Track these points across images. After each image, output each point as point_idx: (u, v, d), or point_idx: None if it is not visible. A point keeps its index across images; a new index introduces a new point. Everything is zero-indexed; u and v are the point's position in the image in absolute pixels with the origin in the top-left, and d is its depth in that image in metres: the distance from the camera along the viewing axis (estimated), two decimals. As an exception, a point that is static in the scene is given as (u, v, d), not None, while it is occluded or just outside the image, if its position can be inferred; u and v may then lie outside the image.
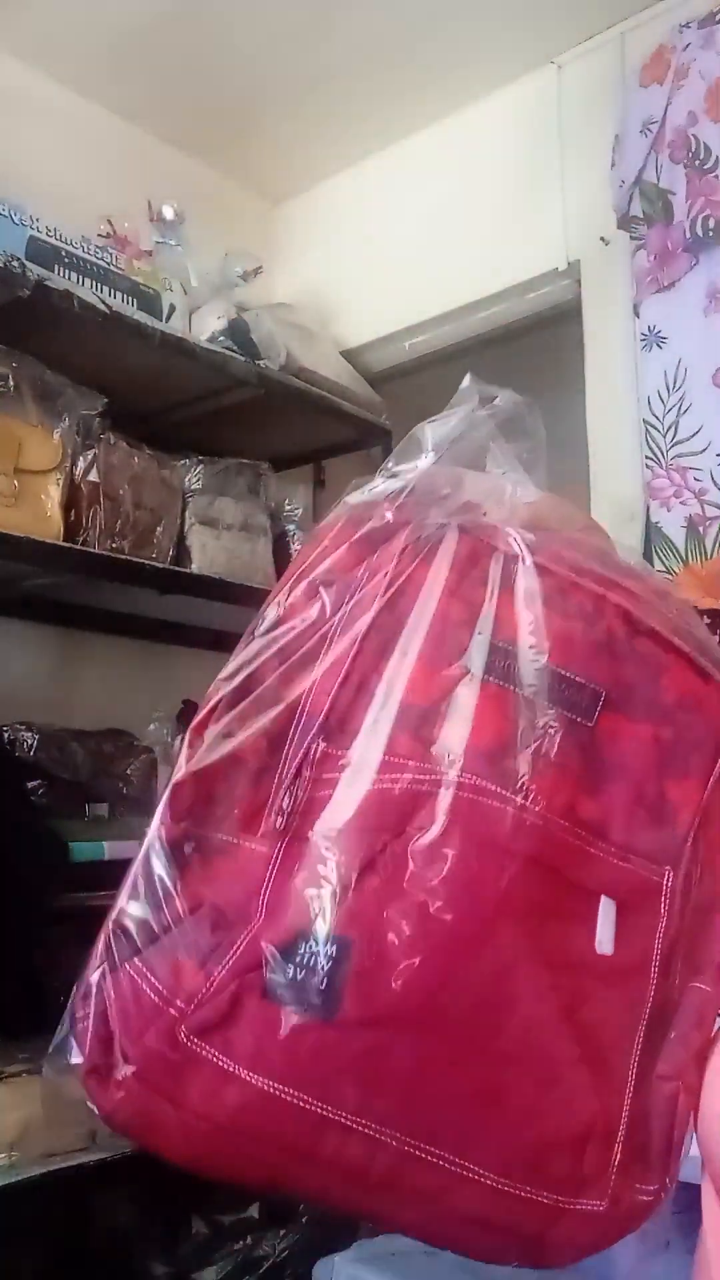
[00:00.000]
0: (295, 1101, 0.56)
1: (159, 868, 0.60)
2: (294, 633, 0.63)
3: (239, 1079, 0.56)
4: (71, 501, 1.77)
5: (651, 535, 1.85)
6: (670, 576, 1.82)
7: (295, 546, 2.21)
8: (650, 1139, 0.60)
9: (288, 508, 2.25)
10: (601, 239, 2.05)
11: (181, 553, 1.97)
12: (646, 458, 1.89)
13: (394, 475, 0.67)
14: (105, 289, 1.86)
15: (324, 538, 0.66)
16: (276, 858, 0.59)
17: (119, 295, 1.89)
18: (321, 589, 0.64)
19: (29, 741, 1.74)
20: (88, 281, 1.84)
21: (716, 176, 1.83)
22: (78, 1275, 1.60)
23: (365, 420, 2.29)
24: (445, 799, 0.58)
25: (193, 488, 2.00)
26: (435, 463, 0.67)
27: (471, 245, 2.29)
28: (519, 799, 0.58)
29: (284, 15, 2.06)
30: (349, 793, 0.58)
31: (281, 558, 2.18)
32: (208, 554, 1.99)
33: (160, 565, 1.88)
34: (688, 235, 1.85)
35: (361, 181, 2.54)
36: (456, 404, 0.69)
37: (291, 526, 2.22)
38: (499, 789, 0.58)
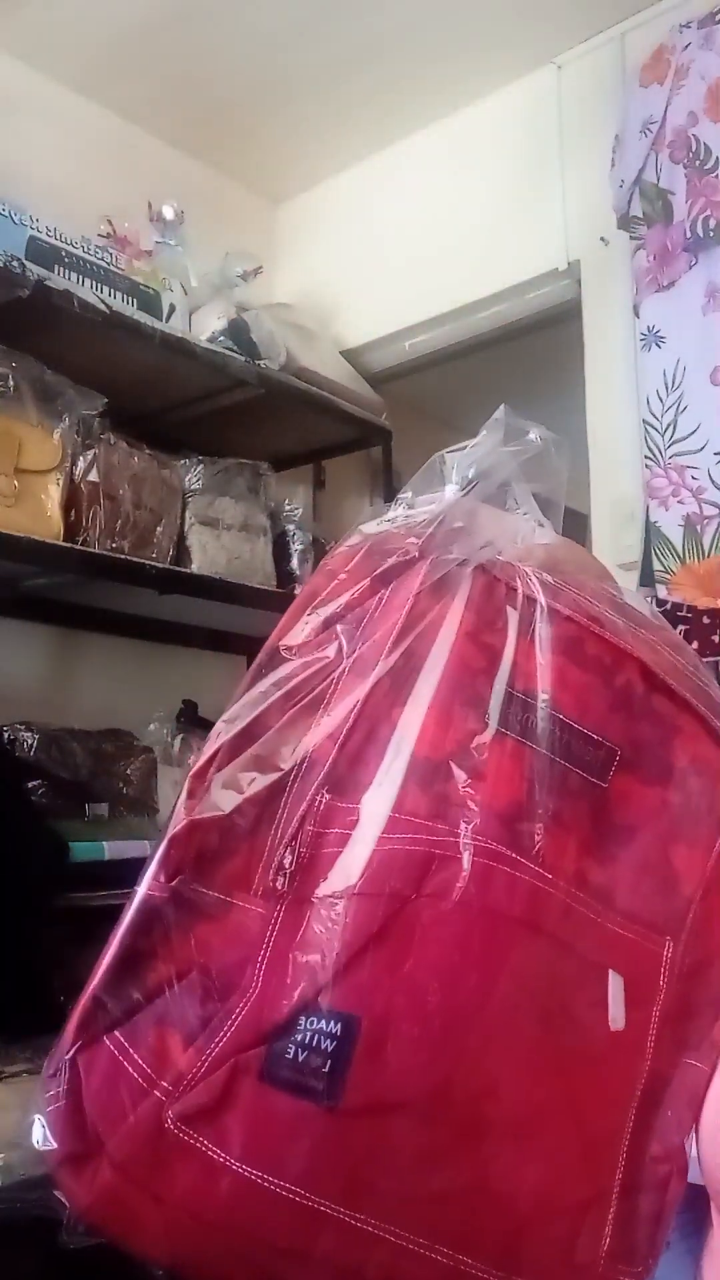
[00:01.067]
0: (291, 1196, 0.50)
1: (144, 929, 0.54)
2: (306, 671, 0.58)
3: (231, 1171, 0.50)
4: (71, 501, 1.77)
5: (650, 534, 1.85)
6: (668, 575, 1.83)
7: (295, 546, 2.21)
8: (637, 1222, 0.56)
9: (288, 508, 2.25)
10: (601, 239, 2.05)
11: (181, 553, 1.97)
12: (645, 457, 1.89)
13: (413, 505, 0.63)
14: (105, 289, 1.87)
15: (339, 570, 0.61)
16: (275, 921, 0.53)
17: (119, 295, 1.89)
18: (338, 627, 0.59)
19: (28, 741, 1.74)
20: (88, 281, 1.84)
21: (716, 176, 1.83)
22: (78, 1275, 1.60)
23: (365, 420, 2.29)
24: (461, 865, 0.53)
25: (193, 488, 2.00)
26: (461, 497, 0.63)
27: (472, 245, 2.29)
28: (534, 866, 0.54)
29: (284, 15, 2.06)
30: (357, 853, 0.53)
31: (281, 558, 2.18)
32: (208, 554, 1.99)
33: (160, 565, 1.88)
34: (688, 235, 1.85)
35: (361, 181, 2.54)
36: (486, 432, 0.64)
37: (291, 526, 2.22)
38: (516, 855, 0.54)
